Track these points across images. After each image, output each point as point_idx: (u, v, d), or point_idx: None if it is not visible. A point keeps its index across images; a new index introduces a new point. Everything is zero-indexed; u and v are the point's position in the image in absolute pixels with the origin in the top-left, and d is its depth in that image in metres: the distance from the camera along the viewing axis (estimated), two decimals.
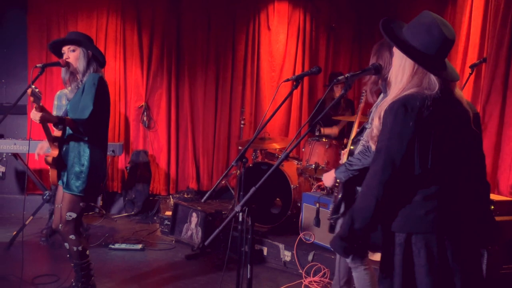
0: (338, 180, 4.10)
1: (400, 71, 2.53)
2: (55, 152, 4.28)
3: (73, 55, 4.30)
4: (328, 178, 4.16)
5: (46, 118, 4.07)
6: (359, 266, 4.09)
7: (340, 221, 4.20)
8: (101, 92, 4.28)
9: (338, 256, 4.47)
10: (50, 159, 4.27)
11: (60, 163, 4.33)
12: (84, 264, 4.47)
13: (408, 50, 2.51)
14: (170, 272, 5.65)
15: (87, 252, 4.49)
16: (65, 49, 4.33)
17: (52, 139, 4.27)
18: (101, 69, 4.47)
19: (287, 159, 6.74)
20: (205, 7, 8.33)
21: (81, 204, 4.35)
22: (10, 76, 7.90)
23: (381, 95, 3.96)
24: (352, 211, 2.55)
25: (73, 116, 4.21)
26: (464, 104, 2.51)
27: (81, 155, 4.27)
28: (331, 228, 4.22)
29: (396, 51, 2.59)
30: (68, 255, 4.50)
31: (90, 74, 4.30)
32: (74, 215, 4.30)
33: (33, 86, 3.97)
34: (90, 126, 4.21)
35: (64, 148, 4.33)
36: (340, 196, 4.07)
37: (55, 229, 4.58)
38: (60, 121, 4.15)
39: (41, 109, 4.06)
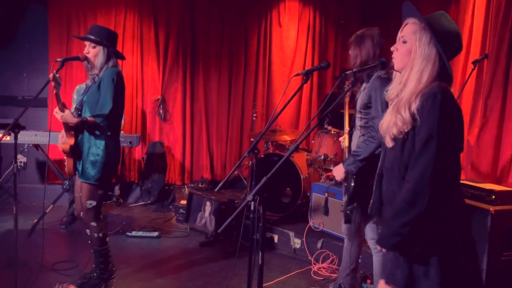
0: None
1: (428, 68, 2.52)
2: (71, 141, 4.36)
3: (93, 51, 4.37)
4: (339, 172, 4.23)
5: (67, 119, 4.22)
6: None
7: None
8: (119, 87, 4.39)
9: (346, 244, 4.56)
10: (67, 147, 4.34)
11: (76, 152, 4.40)
12: (103, 250, 4.57)
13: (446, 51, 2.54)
14: (185, 258, 5.74)
15: (107, 239, 4.59)
16: (86, 43, 4.40)
17: (68, 128, 4.34)
18: (117, 61, 4.54)
19: (297, 151, 6.77)
20: (218, 5, 8.43)
21: (99, 191, 4.46)
22: (31, 70, 7.98)
23: (364, 84, 4.08)
24: (412, 195, 2.45)
25: (93, 112, 4.32)
26: None
27: (96, 145, 4.36)
28: (347, 219, 4.23)
29: (424, 41, 2.55)
30: (89, 242, 4.60)
31: (108, 69, 4.38)
32: (94, 202, 4.42)
33: (54, 71, 4.05)
34: (109, 121, 4.32)
35: (80, 138, 4.41)
36: (352, 186, 4.12)
37: (77, 216, 4.68)
38: (81, 124, 4.29)
39: (63, 109, 4.21)
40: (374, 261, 4.28)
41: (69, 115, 4.25)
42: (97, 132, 4.37)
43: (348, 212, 4.21)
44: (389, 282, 2.73)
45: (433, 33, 2.54)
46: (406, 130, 2.52)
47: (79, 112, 4.45)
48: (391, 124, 2.57)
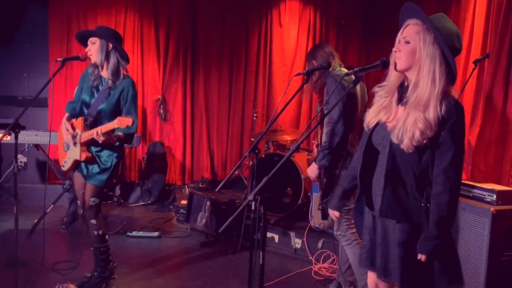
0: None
1: (438, 68, 2.60)
2: (85, 148, 4.39)
3: (93, 47, 4.36)
4: (312, 170, 4.36)
5: (107, 140, 4.25)
6: (353, 241, 4.32)
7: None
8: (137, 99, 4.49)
9: (340, 242, 4.61)
10: (90, 155, 4.38)
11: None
12: (103, 248, 4.58)
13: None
14: (185, 258, 5.75)
15: (107, 237, 4.61)
16: (88, 41, 4.40)
17: (91, 142, 4.37)
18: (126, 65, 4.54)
19: (298, 150, 6.76)
20: (219, 5, 8.42)
21: (104, 190, 4.55)
22: (31, 70, 7.97)
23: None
24: (449, 205, 2.62)
25: (110, 119, 4.28)
26: None
27: (110, 153, 4.44)
28: (324, 214, 4.29)
29: (429, 41, 2.62)
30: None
31: (128, 80, 4.42)
32: (97, 200, 4.46)
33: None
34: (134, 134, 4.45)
35: (93, 143, 4.40)
36: (325, 180, 4.27)
37: (80, 214, 4.73)
38: (117, 140, 4.36)
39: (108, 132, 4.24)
40: (349, 253, 4.39)
41: (109, 136, 4.29)
42: (116, 143, 4.45)
43: (324, 205, 4.31)
44: (391, 278, 2.82)
45: (438, 34, 2.60)
46: (430, 136, 2.59)
47: (92, 119, 4.42)
48: (410, 125, 2.61)
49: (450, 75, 2.62)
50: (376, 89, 2.88)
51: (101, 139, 4.17)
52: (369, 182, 2.89)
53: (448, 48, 2.61)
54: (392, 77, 2.77)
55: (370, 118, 2.84)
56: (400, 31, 2.73)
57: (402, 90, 2.76)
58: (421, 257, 2.66)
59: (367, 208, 2.96)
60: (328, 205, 3.22)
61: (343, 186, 3.15)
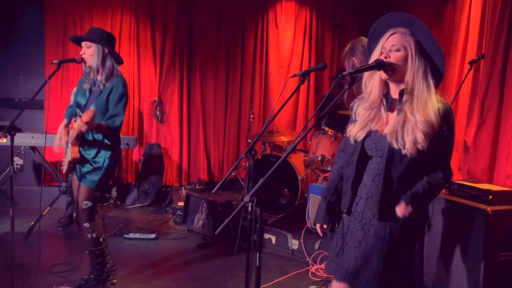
0: None
1: (428, 73, 2.70)
2: (77, 149, 4.37)
3: (88, 51, 4.37)
4: None
5: (91, 127, 4.18)
6: None
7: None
8: (127, 98, 4.46)
9: None
10: (78, 155, 4.35)
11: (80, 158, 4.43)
12: (98, 251, 4.57)
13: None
14: (182, 260, 5.75)
15: (101, 240, 4.58)
16: (83, 44, 4.41)
17: (80, 137, 4.34)
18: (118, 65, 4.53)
19: (294, 152, 6.78)
20: (216, 6, 8.42)
21: (96, 193, 4.50)
22: (27, 72, 7.97)
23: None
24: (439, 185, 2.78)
25: (100, 121, 4.30)
26: None
27: (102, 153, 4.39)
28: None
29: (418, 49, 2.69)
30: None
31: (118, 79, 4.40)
32: (90, 203, 4.43)
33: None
34: (118, 132, 4.41)
35: (84, 143, 4.41)
36: None
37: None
38: (98, 128, 4.26)
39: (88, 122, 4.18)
40: None
41: (91, 123, 4.17)
42: (105, 141, 4.40)
43: None
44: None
45: (428, 42, 2.71)
46: (432, 137, 2.63)
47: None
48: (411, 130, 2.63)
49: (436, 77, 2.73)
50: (355, 104, 2.92)
51: (84, 127, 4.11)
52: (357, 189, 2.87)
53: (434, 51, 2.71)
54: (375, 88, 2.79)
55: (357, 131, 2.82)
56: (384, 39, 2.75)
57: (389, 99, 2.79)
58: (401, 206, 2.66)
59: (345, 214, 2.93)
60: (316, 220, 3.17)
61: (327, 200, 3.07)
